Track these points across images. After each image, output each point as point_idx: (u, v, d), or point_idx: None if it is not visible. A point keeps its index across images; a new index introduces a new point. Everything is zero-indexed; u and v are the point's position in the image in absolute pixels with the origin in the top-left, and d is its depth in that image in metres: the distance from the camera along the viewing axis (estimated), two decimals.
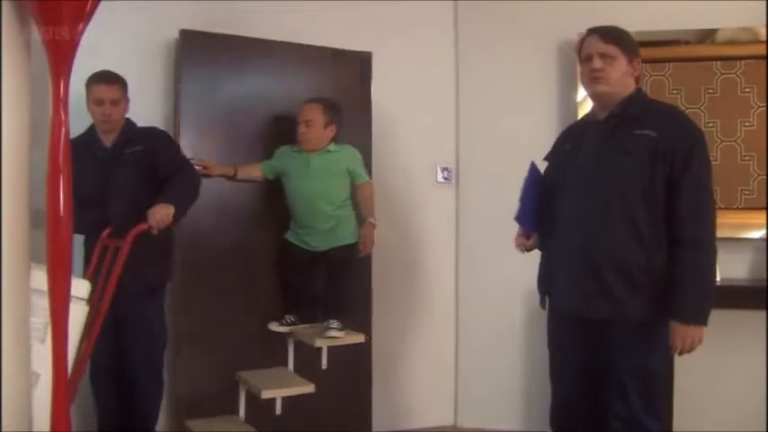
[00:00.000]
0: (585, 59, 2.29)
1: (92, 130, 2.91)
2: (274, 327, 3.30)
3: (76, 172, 2.45)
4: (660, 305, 2.17)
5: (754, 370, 3.42)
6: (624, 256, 2.19)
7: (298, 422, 3.50)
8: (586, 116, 2.46)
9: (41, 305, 1.77)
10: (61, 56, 1.60)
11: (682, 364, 3.23)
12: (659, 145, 2.16)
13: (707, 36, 3.47)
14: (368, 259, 3.68)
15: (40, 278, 1.72)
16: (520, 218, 2.41)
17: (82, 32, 1.60)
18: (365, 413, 3.71)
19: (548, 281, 2.42)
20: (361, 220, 3.31)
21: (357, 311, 3.35)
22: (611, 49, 2.24)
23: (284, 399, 3.32)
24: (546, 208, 2.36)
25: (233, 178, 3.30)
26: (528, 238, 2.45)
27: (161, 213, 2.63)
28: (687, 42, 3.50)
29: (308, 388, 3.21)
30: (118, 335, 2.86)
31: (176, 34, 3.26)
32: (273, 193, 3.39)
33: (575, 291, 2.27)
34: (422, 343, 3.85)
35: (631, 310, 2.19)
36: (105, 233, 2.69)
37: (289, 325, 3.29)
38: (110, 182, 2.83)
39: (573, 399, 2.39)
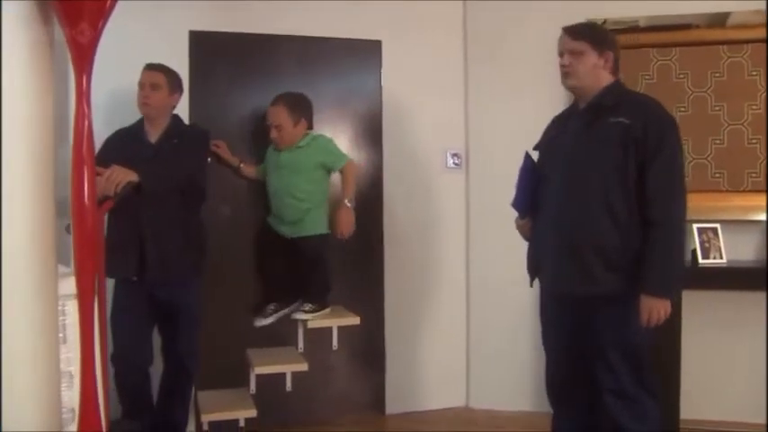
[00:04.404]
0: (559, 56, 2.47)
1: (139, 123, 3.00)
2: (258, 322, 3.36)
3: (120, 161, 2.59)
4: (635, 282, 2.31)
5: (762, 351, 3.46)
6: (602, 237, 2.33)
7: (311, 402, 3.62)
8: (571, 106, 2.59)
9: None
10: (83, 52, 1.68)
11: (690, 346, 3.32)
12: (631, 131, 2.31)
13: (719, 20, 3.48)
14: (380, 243, 3.78)
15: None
16: (515, 203, 2.55)
17: (101, 30, 1.67)
18: (378, 394, 3.81)
19: (535, 262, 2.56)
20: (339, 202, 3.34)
21: (322, 297, 3.40)
22: (580, 46, 2.40)
23: (297, 379, 3.44)
24: (534, 193, 2.50)
25: (236, 171, 3.44)
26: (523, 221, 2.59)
27: (117, 172, 2.55)
28: (698, 26, 3.52)
29: (302, 366, 3.36)
30: (160, 320, 2.98)
31: (187, 34, 3.38)
32: None
33: (558, 270, 2.43)
34: (434, 325, 3.93)
35: (609, 288, 2.34)
36: (105, 206, 2.51)
37: (271, 315, 3.36)
38: None
39: (564, 371, 2.54)
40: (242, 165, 3.47)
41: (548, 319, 2.59)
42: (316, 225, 3.32)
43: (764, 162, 3.46)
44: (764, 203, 3.43)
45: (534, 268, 2.58)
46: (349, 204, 3.30)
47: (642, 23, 3.56)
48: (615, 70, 2.46)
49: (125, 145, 2.88)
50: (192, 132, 3.07)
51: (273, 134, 3.30)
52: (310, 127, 3.38)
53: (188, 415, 3.16)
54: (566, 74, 2.43)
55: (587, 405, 2.51)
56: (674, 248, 2.33)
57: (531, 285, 2.63)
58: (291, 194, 3.28)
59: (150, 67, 2.97)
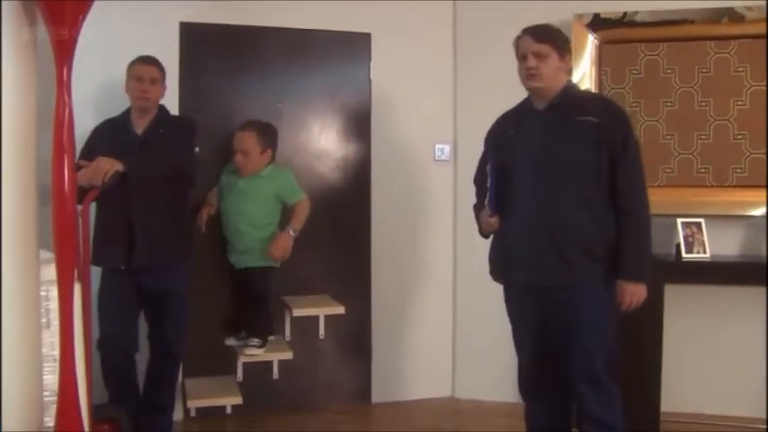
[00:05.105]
0: (521, 58, 2.52)
1: (126, 113, 3.03)
2: (230, 341, 3.44)
3: (107, 151, 2.63)
4: (610, 269, 2.43)
5: (746, 345, 3.50)
6: (580, 229, 2.42)
7: (297, 390, 3.67)
8: (522, 105, 2.63)
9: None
10: (64, 46, 1.76)
11: (671, 340, 3.36)
12: (600, 129, 2.43)
13: (707, 15, 3.49)
14: (367, 234, 3.82)
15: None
16: (490, 202, 2.55)
17: (81, 25, 1.76)
18: (364, 383, 3.86)
19: (504, 261, 2.58)
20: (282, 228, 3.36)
21: (267, 332, 3.42)
22: (544, 48, 2.46)
23: (283, 367, 3.51)
24: (501, 190, 2.53)
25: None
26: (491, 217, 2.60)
27: (104, 162, 2.59)
28: (685, 22, 3.54)
29: (287, 354, 3.43)
30: (147, 306, 3.03)
31: (177, 26, 3.42)
32: None
33: (535, 262, 2.47)
34: (420, 316, 3.97)
35: (588, 276, 2.43)
36: (90, 195, 2.56)
37: (239, 340, 3.40)
38: None
39: (535, 371, 2.61)
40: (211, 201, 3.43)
41: (520, 316, 2.62)
42: (263, 257, 3.32)
43: (750, 158, 3.48)
44: (749, 199, 3.46)
45: (501, 270, 2.62)
46: (293, 233, 3.31)
47: (629, 19, 3.57)
48: (570, 71, 2.58)
49: (113, 135, 2.92)
50: (179, 122, 3.11)
51: (239, 159, 3.29)
52: (273, 159, 3.38)
53: (174, 401, 3.21)
54: (531, 76, 2.48)
55: (557, 398, 2.60)
56: (646, 236, 2.46)
57: (499, 281, 2.67)
58: (246, 222, 3.30)
59: (147, 61, 2.98)
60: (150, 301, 3.02)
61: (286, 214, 3.41)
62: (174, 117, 3.14)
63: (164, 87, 3.04)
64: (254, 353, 3.31)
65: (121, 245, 2.86)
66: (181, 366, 3.20)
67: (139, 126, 2.99)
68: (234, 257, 3.37)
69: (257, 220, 3.31)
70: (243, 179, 3.32)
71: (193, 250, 3.13)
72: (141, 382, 3.10)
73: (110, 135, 2.91)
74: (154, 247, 2.89)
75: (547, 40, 2.47)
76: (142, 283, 2.95)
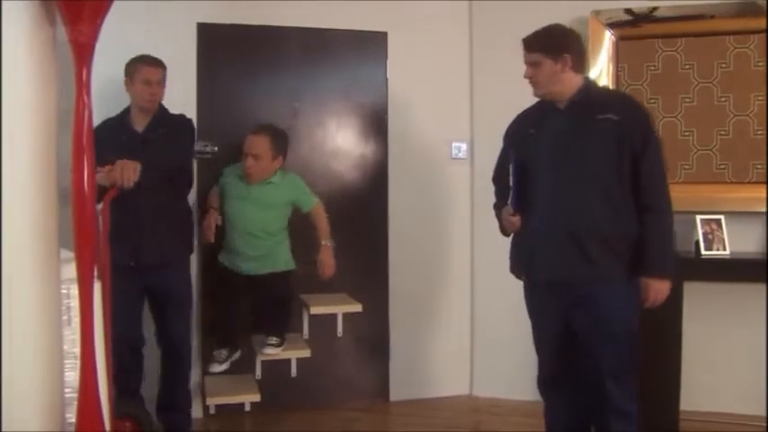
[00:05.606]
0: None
1: (124, 114, 3.07)
2: (215, 369, 3.29)
3: (109, 151, 2.67)
4: (633, 264, 2.43)
5: (763, 342, 3.46)
6: (603, 225, 2.42)
7: (315, 388, 3.69)
8: (543, 103, 2.62)
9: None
10: (83, 47, 1.76)
11: (691, 338, 3.33)
12: (622, 127, 2.44)
13: (725, 10, 3.46)
14: (385, 233, 3.83)
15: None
16: (512, 201, 2.56)
17: (100, 26, 1.76)
18: (383, 381, 3.87)
19: (526, 259, 2.59)
20: (317, 243, 3.33)
21: (284, 330, 3.39)
22: (534, 57, 2.50)
23: (301, 365, 3.52)
24: (522, 188, 2.54)
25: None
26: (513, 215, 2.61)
27: (130, 164, 2.68)
28: (711, 17, 3.51)
29: (305, 353, 3.44)
30: (153, 305, 3.09)
31: (194, 27, 3.45)
32: None
33: (557, 259, 2.48)
34: (438, 314, 3.97)
35: (610, 271, 2.43)
36: (109, 195, 2.62)
37: (224, 361, 3.31)
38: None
39: (554, 369, 2.62)
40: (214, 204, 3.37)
41: (541, 313, 2.62)
42: (282, 261, 3.32)
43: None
44: None
45: (523, 267, 2.62)
46: (329, 244, 3.31)
47: (646, 14, 3.55)
48: (578, 67, 2.52)
49: (113, 135, 2.94)
50: (179, 121, 3.12)
51: (249, 163, 3.22)
52: (282, 166, 3.35)
53: (190, 398, 3.24)
54: (531, 84, 2.54)
55: (577, 396, 2.61)
56: (669, 232, 2.48)
57: (521, 278, 2.67)
58: (264, 229, 3.27)
59: (153, 63, 3.01)
60: (155, 299, 3.07)
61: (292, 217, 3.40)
62: (174, 116, 3.13)
63: (165, 85, 3.07)
64: (271, 352, 3.32)
65: (129, 243, 2.89)
66: (191, 364, 3.22)
67: (139, 125, 3.03)
68: (245, 264, 3.29)
69: (272, 226, 3.30)
70: (253, 186, 3.26)
71: (193, 246, 3.20)
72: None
73: (110, 134, 2.92)
74: (160, 245, 2.96)
75: (536, 48, 2.49)
76: (148, 281, 3.00)
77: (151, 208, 2.92)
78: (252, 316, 3.45)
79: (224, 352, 3.30)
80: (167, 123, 3.05)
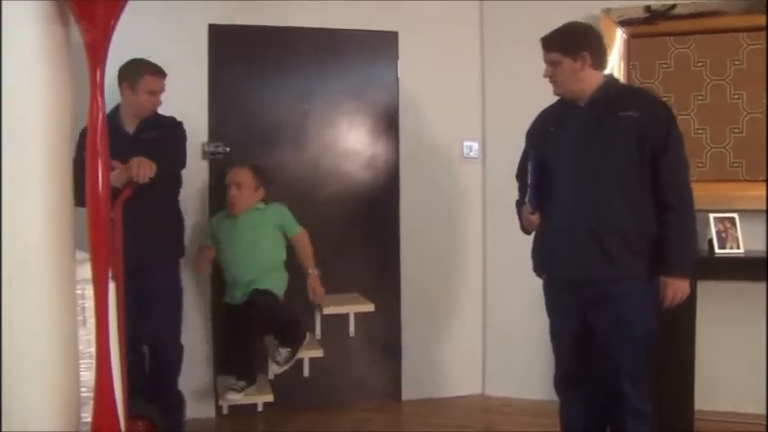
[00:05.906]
0: None
1: (113, 114, 3.02)
2: (232, 397, 3.25)
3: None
4: (653, 263, 2.42)
5: None
6: (623, 223, 2.41)
7: (328, 388, 3.70)
8: (564, 101, 2.60)
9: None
10: (96, 48, 1.76)
11: (705, 337, 3.31)
12: (642, 123, 2.42)
13: (738, 7, 3.43)
14: (396, 232, 3.83)
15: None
16: (530, 199, 2.56)
17: (114, 27, 1.76)
18: (395, 381, 3.87)
19: (546, 257, 2.58)
20: (304, 272, 3.38)
21: (296, 334, 3.37)
22: (553, 56, 2.50)
23: (314, 365, 3.54)
24: (542, 186, 2.53)
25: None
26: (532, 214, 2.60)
27: (145, 162, 2.73)
28: (725, 14, 3.48)
29: (318, 352, 3.46)
30: (141, 303, 3.02)
31: (206, 29, 3.46)
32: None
33: (577, 258, 2.47)
34: (450, 314, 3.96)
35: (631, 270, 2.42)
36: (123, 195, 2.74)
37: (242, 390, 3.28)
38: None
39: (571, 368, 2.61)
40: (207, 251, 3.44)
41: (560, 312, 2.61)
42: (275, 283, 3.33)
43: None
44: None
45: (544, 265, 2.61)
46: (316, 273, 3.36)
47: (659, 12, 3.52)
48: (598, 64, 2.51)
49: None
50: (171, 124, 3.11)
51: (233, 192, 3.30)
52: (264, 199, 3.39)
53: (181, 399, 3.21)
54: (552, 83, 2.53)
55: (593, 395, 2.59)
56: (690, 230, 2.46)
57: (542, 277, 2.66)
58: (254, 250, 3.30)
59: (158, 73, 3.00)
60: (142, 301, 2.99)
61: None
62: (165, 118, 3.12)
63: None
64: (279, 370, 3.32)
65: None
66: (180, 366, 3.20)
67: (130, 126, 3.04)
68: (238, 292, 3.31)
69: (265, 247, 3.34)
70: (240, 216, 3.32)
71: (182, 247, 3.23)
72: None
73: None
74: (153, 246, 2.95)
75: (555, 47, 2.49)
76: (140, 282, 2.94)
77: (141, 210, 2.86)
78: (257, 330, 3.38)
79: (242, 383, 3.28)
80: (159, 126, 3.05)
